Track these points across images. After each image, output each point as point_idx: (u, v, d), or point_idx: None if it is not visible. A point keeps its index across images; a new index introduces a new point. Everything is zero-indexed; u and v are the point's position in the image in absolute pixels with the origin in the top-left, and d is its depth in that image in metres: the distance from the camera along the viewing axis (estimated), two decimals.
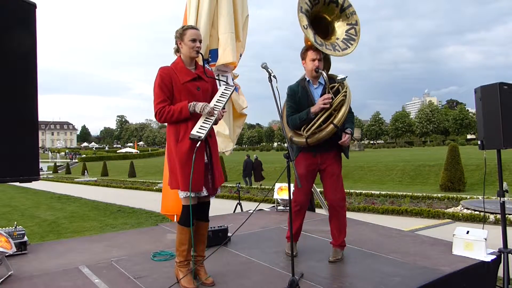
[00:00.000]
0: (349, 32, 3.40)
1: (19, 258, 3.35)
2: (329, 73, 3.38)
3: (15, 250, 3.18)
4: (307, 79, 3.31)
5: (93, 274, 2.92)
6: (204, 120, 2.58)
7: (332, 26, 3.45)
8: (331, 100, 3.09)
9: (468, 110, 73.25)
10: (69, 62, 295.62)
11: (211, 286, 2.69)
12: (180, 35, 2.72)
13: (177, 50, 2.79)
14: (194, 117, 2.60)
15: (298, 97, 3.24)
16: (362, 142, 68.87)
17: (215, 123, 2.63)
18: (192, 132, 2.53)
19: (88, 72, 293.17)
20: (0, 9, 1.36)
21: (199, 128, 2.55)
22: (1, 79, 1.37)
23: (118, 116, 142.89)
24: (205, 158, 2.69)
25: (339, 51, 3.27)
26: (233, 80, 4.52)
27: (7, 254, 2.91)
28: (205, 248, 2.87)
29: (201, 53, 2.78)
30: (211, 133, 2.77)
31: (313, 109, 3.12)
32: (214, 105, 2.66)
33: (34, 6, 1.50)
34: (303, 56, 3.30)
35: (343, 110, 3.10)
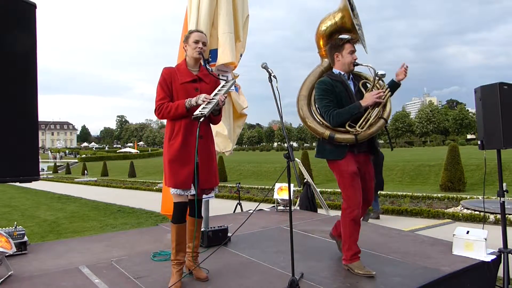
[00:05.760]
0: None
1: (19, 258, 3.36)
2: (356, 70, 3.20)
3: (15, 250, 3.18)
4: (342, 73, 3.08)
5: (93, 274, 2.92)
6: (206, 103, 2.63)
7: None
8: (384, 94, 2.94)
9: (468, 110, 73.26)
10: (69, 62, 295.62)
11: (205, 281, 2.75)
12: (186, 38, 2.86)
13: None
14: (190, 114, 2.66)
15: (337, 92, 2.99)
16: None
17: (217, 105, 2.66)
18: (195, 113, 2.60)
19: (88, 72, 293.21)
20: (0, 9, 1.36)
21: (202, 108, 2.60)
22: (1, 79, 1.37)
23: (118, 116, 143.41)
24: (197, 157, 2.71)
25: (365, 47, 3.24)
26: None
27: (7, 254, 2.92)
28: (198, 245, 2.95)
29: (203, 55, 2.84)
30: (209, 134, 2.82)
31: (364, 103, 2.91)
32: (215, 92, 2.71)
33: (34, 6, 1.50)
34: (339, 49, 3.06)
35: (389, 104, 3.02)
